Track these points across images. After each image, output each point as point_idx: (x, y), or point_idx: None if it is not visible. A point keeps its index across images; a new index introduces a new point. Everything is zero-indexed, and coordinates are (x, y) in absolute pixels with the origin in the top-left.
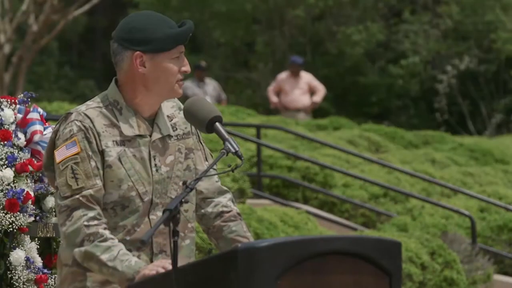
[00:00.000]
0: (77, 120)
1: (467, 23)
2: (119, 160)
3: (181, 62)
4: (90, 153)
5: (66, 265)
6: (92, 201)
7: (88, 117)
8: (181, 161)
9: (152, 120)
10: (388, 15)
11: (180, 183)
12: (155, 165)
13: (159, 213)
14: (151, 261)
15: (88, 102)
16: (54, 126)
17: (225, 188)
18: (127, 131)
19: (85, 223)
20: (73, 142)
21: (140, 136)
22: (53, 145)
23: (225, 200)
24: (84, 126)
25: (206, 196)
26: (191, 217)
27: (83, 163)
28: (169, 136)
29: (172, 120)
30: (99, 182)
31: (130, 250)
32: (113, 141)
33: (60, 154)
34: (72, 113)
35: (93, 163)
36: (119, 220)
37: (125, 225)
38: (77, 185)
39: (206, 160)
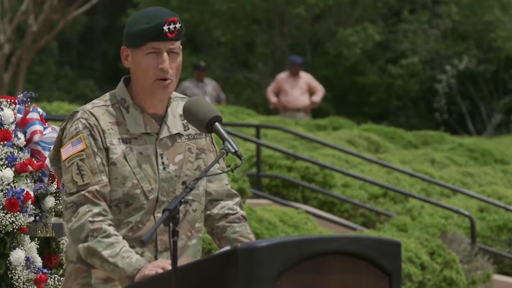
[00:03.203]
0: (82, 118)
1: (466, 23)
2: (124, 157)
3: (158, 59)
4: (95, 149)
5: (71, 262)
6: (98, 197)
7: (93, 115)
8: (191, 161)
9: (162, 118)
10: (388, 15)
11: None
12: (163, 163)
13: None
14: (155, 258)
15: (95, 101)
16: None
17: (234, 192)
18: (134, 129)
19: (90, 219)
20: (79, 139)
21: (147, 134)
22: (60, 142)
23: (232, 203)
24: (89, 124)
25: (215, 198)
26: (199, 217)
27: (89, 160)
28: (179, 134)
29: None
30: (105, 178)
31: (133, 247)
32: (119, 138)
33: (66, 152)
34: (78, 111)
35: (98, 160)
36: (123, 217)
37: (129, 222)
38: (83, 181)
39: (218, 162)
